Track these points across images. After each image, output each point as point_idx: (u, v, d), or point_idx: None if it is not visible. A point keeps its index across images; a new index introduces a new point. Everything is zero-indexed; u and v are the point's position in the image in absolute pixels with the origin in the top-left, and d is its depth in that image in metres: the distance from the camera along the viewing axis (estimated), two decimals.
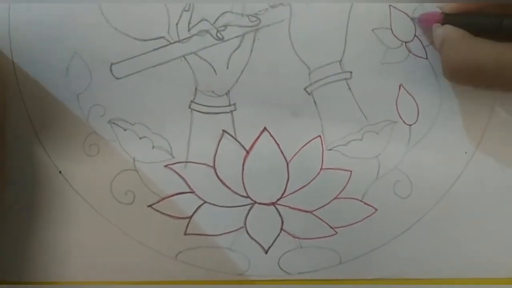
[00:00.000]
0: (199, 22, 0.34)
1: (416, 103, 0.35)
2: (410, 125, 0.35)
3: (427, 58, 0.35)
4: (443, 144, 0.35)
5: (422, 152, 0.35)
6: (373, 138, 0.35)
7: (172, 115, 0.35)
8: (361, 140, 0.35)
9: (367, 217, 0.35)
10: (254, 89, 0.35)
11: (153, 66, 0.34)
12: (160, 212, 0.35)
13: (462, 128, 0.35)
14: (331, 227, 0.35)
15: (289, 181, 0.35)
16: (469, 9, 0.32)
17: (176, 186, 0.35)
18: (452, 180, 0.35)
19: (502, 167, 0.35)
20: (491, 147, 0.35)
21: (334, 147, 0.35)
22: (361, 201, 0.35)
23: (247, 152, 0.35)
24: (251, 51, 0.34)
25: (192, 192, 0.35)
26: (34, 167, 0.35)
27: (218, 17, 0.34)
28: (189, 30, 0.34)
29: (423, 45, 0.35)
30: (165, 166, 0.35)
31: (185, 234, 0.35)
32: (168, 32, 0.34)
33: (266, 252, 0.36)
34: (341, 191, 0.35)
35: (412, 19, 0.34)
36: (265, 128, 0.35)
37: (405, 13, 0.34)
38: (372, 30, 0.34)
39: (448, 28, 0.32)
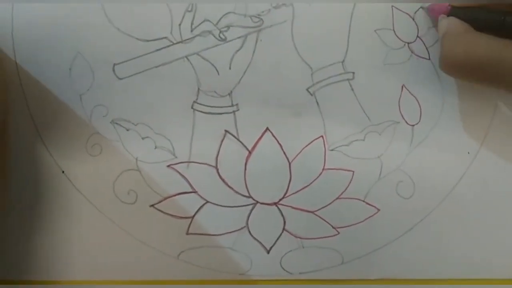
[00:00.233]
0: (201, 22, 0.34)
1: (419, 104, 0.35)
2: (413, 125, 0.35)
3: (429, 59, 0.35)
4: (446, 144, 0.35)
5: (424, 152, 0.35)
6: (376, 139, 0.35)
7: (174, 115, 0.35)
8: (363, 140, 0.35)
9: (369, 217, 0.35)
10: (256, 90, 0.35)
11: (156, 67, 0.34)
12: (163, 212, 0.35)
13: (464, 128, 0.35)
14: (333, 227, 0.35)
15: (291, 181, 0.35)
16: (475, 5, 0.32)
17: (179, 186, 0.35)
18: (455, 181, 0.35)
19: (505, 167, 0.35)
20: (494, 147, 0.35)
21: (337, 147, 0.35)
22: (363, 201, 0.35)
23: (250, 152, 0.35)
24: (254, 51, 0.34)
25: (195, 192, 0.35)
26: (36, 167, 0.35)
27: (221, 17, 0.34)
28: (191, 31, 0.34)
29: (425, 46, 0.34)
30: (168, 166, 0.35)
31: (187, 233, 0.35)
32: (171, 33, 0.34)
33: (268, 252, 0.36)
34: (343, 191, 0.35)
35: (423, 8, 0.34)
36: (267, 129, 0.35)
37: (407, 13, 0.34)
38: (375, 30, 0.34)
39: (452, 20, 0.32)
